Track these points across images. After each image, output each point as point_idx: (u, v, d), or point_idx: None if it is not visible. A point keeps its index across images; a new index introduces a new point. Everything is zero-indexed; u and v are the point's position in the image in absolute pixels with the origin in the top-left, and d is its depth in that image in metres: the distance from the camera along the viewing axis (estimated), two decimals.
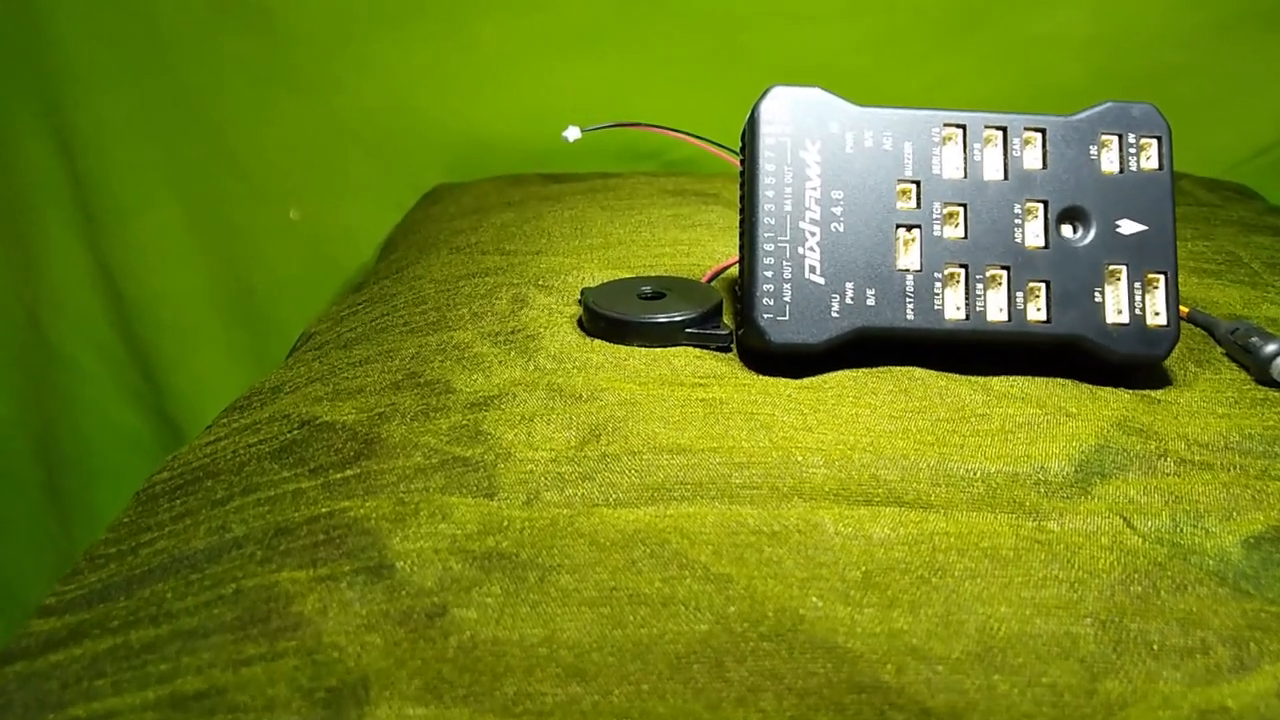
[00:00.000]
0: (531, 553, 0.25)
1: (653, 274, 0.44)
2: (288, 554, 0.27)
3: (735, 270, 0.45)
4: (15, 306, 0.82)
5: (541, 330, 0.38)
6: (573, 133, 0.50)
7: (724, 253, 0.47)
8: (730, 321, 0.39)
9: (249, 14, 0.77)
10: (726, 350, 0.36)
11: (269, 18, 0.77)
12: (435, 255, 0.52)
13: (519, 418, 0.31)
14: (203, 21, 0.77)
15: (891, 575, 0.24)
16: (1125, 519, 0.27)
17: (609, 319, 0.37)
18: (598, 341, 0.37)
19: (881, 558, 0.25)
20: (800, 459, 0.29)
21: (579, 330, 0.38)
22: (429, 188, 0.75)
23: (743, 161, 0.36)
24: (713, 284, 0.43)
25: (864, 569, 0.25)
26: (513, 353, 0.36)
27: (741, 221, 0.36)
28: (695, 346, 0.36)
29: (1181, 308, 0.38)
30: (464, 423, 0.31)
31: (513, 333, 0.38)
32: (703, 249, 0.47)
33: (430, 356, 0.37)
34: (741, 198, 0.36)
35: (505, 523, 0.26)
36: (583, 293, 0.39)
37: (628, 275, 0.44)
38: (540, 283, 0.43)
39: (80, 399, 0.83)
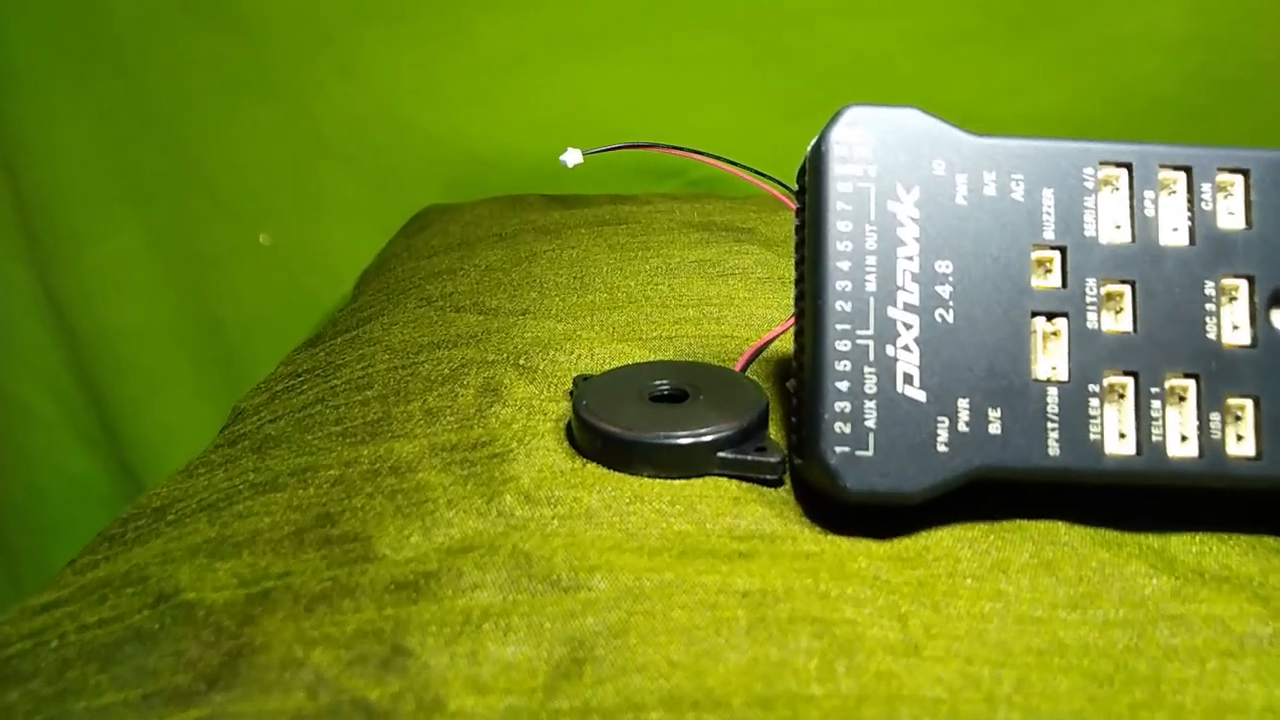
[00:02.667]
0: None
1: (670, 350, 0.33)
2: None
3: (782, 342, 0.34)
4: None
5: (514, 445, 0.27)
6: (573, 156, 0.40)
7: (764, 317, 0.36)
8: (779, 437, 0.28)
9: (216, 10, 0.69)
10: (777, 484, 0.25)
11: (239, 14, 0.69)
12: (401, 308, 0.41)
13: (462, 621, 0.20)
14: (164, 19, 0.69)
15: None
16: None
17: (608, 436, 0.26)
18: (591, 466, 0.26)
19: None
20: None
21: (566, 444, 0.27)
22: (420, 208, 0.65)
23: (801, 211, 0.25)
24: (750, 370, 0.32)
25: None
26: (470, 484, 0.25)
27: (799, 298, 0.25)
28: (730, 477, 0.25)
29: None
30: (378, 625, 0.20)
31: (474, 447, 0.27)
32: (736, 311, 0.36)
33: (357, 484, 0.26)
34: (799, 262, 0.25)
35: None
36: (575, 385, 0.29)
37: (636, 350, 0.33)
38: (522, 361, 0.32)
39: (30, 446, 0.76)
